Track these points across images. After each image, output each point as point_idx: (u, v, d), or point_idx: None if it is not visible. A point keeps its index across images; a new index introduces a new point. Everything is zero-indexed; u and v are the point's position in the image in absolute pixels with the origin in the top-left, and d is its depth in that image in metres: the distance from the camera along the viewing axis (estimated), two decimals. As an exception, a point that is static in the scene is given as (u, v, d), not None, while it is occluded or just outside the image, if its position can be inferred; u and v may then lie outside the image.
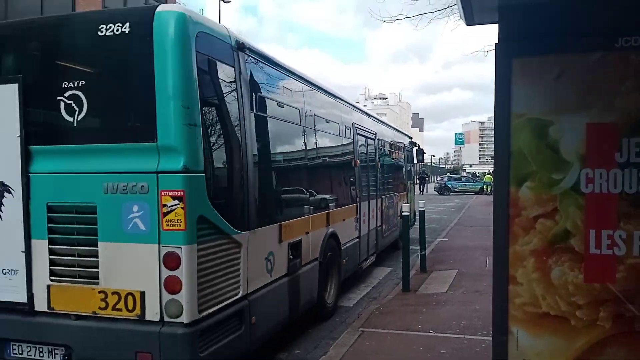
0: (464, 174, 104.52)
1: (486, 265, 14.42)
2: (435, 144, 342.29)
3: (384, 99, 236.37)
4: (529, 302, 4.41)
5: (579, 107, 4.28)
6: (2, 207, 6.06)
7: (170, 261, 5.53)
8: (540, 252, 4.37)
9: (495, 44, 4.47)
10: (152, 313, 5.61)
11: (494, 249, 4.48)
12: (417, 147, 21.06)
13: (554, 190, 4.33)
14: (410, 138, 20.98)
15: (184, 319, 5.54)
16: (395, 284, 12.61)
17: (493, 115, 4.39)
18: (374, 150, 13.74)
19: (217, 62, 6.16)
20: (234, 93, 6.40)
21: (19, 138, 5.95)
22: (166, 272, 5.54)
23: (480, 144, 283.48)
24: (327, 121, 10.08)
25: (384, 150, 15.24)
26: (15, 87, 5.93)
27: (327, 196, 9.76)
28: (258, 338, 6.82)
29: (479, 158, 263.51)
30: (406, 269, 11.69)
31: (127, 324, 5.66)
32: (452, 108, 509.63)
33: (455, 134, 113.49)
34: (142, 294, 5.64)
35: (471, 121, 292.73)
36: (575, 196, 4.29)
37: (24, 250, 6.00)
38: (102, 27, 5.68)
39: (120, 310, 5.71)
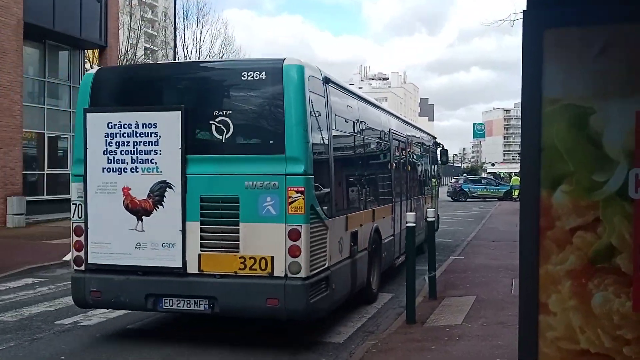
0: (484, 174, 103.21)
1: (511, 290, 14.45)
2: (449, 136, 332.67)
3: (384, 79, 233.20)
4: (564, 337, 4.39)
5: (628, 90, 4.26)
6: (165, 199, 10.64)
7: (294, 235, 10.07)
8: (578, 273, 4.35)
9: (524, 11, 4.43)
10: (279, 271, 10.15)
11: (521, 269, 4.45)
12: (441, 148, 26.19)
13: (596, 196, 4.31)
14: (434, 138, 25.69)
15: (302, 274, 10.09)
16: (397, 314, 12.64)
17: (520, 102, 4.38)
18: (404, 153, 18.62)
19: (317, 96, 10.85)
20: (324, 117, 11.13)
21: (180, 150, 10.58)
22: (290, 243, 10.08)
23: (505, 137, 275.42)
24: (373, 129, 15.03)
25: (413, 153, 20.18)
26: (178, 113, 10.59)
27: (373, 195, 14.56)
28: (335, 301, 11.40)
29: (504, 155, 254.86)
30: (411, 295, 11.72)
31: (260, 279, 10.20)
32: (470, 92, 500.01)
33: (474, 124, 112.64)
34: (272, 258, 10.19)
35: (494, 108, 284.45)
36: (622, 203, 4.27)
37: (180, 229, 10.57)
38: (244, 74, 10.39)
39: (255, 269, 10.25)
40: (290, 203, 10.10)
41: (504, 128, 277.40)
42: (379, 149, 15.75)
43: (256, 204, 10.22)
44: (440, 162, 26.44)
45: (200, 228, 10.48)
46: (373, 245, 14.09)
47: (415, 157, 20.73)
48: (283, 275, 10.13)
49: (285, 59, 10.43)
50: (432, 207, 20.65)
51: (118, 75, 11.77)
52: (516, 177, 66.98)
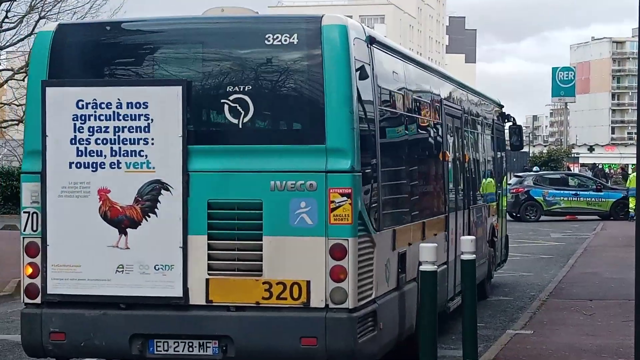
0: (573, 169, 60.05)
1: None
2: (505, 93, 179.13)
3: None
4: None
5: None
6: (159, 205, 8.07)
7: (337, 252, 7.79)
8: None
9: None
10: (318, 300, 7.84)
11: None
12: (511, 123, 17.94)
13: None
14: (500, 107, 17.86)
15: (349, 304, 7.79)
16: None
17: None
18: (460, 135, 13.53)
19: (363, 64, 8.32)
20: (370, 92, 8.53)
21: (180, 138, 8.04)
22: (332, 262, 7.80)
23: (614, 97, 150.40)
24: (426, 105, 11.36)
25: (471, 134, 14.59)
26: (178, 89, 8.04)
27: (424, 202, 11.07)
28: (383, 346, 8.69)
29: (611, 132, 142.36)
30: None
31: (291, 311, 7.89)
32: (548, 5, 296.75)
33: (555, 70, 65.43)
34: (308, 283, 7.86)
35: (593, 39, 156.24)
36: None
37: (181, 245, 8.03)
38: (269, 36, 7.96)
39: (285, 299, 7.89)
40: (333, 210, 7.82)
41: (613, 79, 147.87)
42: (431, 133, 11.92)
43: (286, 212, 7.90)
44: (511, 146, 18.43)
45: (208, 244, 8.05)
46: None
47: (476, 142, 15.24)
48: (323, 305, 7.86)
49: (323, 16, 8.09)
50: (495, 222, 14.75)
51: (89, 34, 8.87)
52: (634, 176, 32.45)
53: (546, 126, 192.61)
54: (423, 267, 8.85)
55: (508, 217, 27.02)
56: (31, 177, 8.35)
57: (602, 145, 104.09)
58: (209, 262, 8.02)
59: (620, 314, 13.13)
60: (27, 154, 8.51)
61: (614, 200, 36.75)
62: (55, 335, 8.22)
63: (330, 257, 7.80)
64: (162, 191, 8.07)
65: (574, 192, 37.48)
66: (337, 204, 7.78)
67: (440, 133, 12.17)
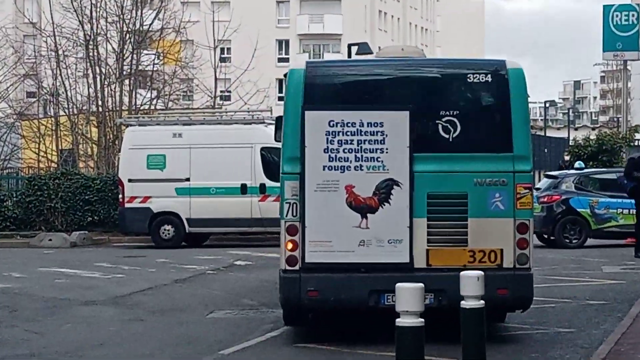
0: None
1: None
2: (531, 46, 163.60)
3: None
4: None
5: None
6: (391, 196, 11.13)
7: (522, 228, 11.15)
8: None
9: None
10: (508, 262, 11.11)
11: None
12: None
13: None
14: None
15: (529, 265, 11.27)
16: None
17: None
18: None
19: (528, 96, 12.23)
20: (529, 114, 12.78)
21: (408, 148, 11.15)
22: (519, 236, 11.13)
23: None
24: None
25: None
26: (406, 113, 11.19)
27: None
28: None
29: None
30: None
31: (489, 271, 10.15)
32: None
33: (606, 9, 41.13)
34: (501, 250, 11.11)
35: None
36: None
37: (408, 225, 11.09)
38: (470, 76, 11.42)
39: (485, 262, 11.00)
40: (519, 199, 11.15)
41: None
42: None
43: (485, 200, 11.14)
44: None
45: (428, 224, 11.12)
46: None
47: None
48: (512, 266, 11.13)
49: (505, 61, 11.67)
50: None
51: (334, 71, 12.14)
52: None
53: (595, 98, 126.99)
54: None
55: (536, 241, 20.41)
56: (291, 177, 11.25)
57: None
58: (428, 237, 11.12)
59: None
60: (287, 160, 11.38)
61: None
62: (311, 293, 11.09)
63: (517, 232, 11.10)
64: (394, 186, 11.15)
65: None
66: (522, 195, 11.15)
67: None
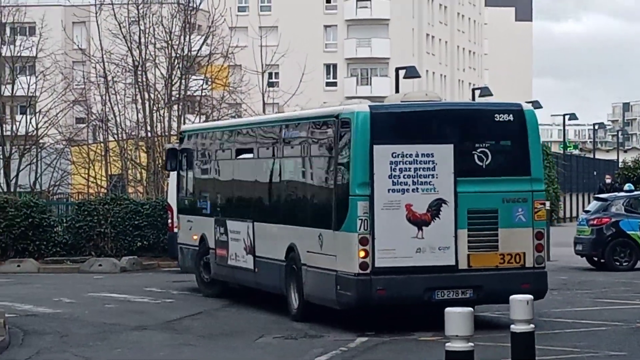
0: None
1: None
2: (578, 67, 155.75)
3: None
4: None
5: None
6: (440, 213, 14.03)
7: (539, 236, 14.50)
8: None
9: None
10: (529, 263, 14.33)
11: None
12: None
13: None
14: None
15: (544, 264, 14.71)
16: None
17: None
18: None
19: (540, 131, 15.84)
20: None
21: (453, 174, 14.14)
22: (536, 241, 14.40)
23: None
24: None
25: None
26: (451, 146, 14.24)
27: None
28: None
29: None
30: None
31: (515, 270, 14.27)
32: None
33: None
34: (524, 253, 14.29)
35: None
36: None
37: (454, 235, 14.05)
38: (497, 116, 14.54)
39: (512, 263, 14.25)
40: (536, 212, 14.49)
41: None
42: None
43: (510, 214, 14.31)
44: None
45: (468, 234, 14.14)
46: None
47: None
48: (532, 266, 14.39)
49: (521, 104, 15.26)
50: None
51: (392, 113, 14.94)
52: None
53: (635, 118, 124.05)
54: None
55: (586, 264, 22.78)
56: (363, 198, 13.89)
57: None
58: (469, 244, 14.16)
59: None
60: (359, 185, 13.96)
61: None
62: (380, 291, 13.89)
63: (535, 239, 14.42)
64: (443, 204, 14.08)
65: None
66: (538, 209, 14.55)
67: None
